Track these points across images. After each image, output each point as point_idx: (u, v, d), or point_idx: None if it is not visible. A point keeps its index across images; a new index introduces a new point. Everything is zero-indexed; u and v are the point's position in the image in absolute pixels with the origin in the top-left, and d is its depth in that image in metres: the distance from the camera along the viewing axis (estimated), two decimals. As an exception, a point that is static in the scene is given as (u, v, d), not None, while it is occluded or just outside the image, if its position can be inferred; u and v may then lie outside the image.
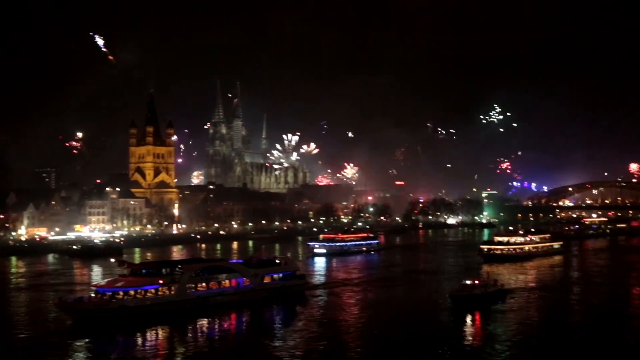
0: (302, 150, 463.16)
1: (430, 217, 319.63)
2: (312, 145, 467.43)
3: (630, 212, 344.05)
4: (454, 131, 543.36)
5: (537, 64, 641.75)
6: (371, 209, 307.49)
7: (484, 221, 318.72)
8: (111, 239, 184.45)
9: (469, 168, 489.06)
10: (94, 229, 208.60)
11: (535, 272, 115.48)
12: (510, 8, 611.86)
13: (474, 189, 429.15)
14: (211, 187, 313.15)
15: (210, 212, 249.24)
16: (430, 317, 73.38)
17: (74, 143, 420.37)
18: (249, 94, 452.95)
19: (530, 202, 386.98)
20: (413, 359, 56.25)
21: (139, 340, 64.40)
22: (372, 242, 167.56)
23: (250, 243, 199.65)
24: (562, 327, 68.39)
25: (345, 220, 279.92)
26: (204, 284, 77.79)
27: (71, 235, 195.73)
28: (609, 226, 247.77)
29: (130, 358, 57.84)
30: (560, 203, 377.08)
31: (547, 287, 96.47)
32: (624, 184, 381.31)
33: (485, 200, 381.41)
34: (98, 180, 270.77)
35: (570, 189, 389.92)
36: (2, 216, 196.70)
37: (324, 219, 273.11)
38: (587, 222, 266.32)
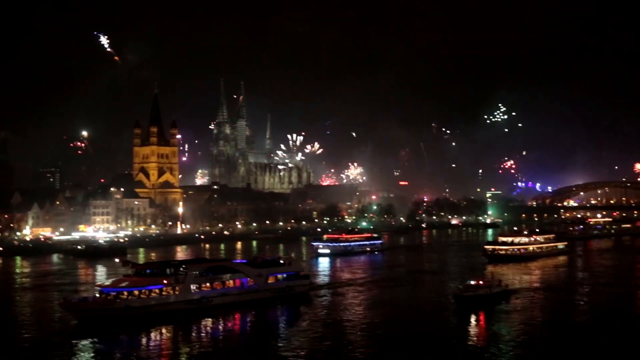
0: (306, 150, 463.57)
1: (434, 217, 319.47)
2: (317, 145, 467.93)
3: (635, 212, 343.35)
4: (458, 131, 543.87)
5: (541, 64, 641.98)
6: (375, 209, 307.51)
7: (488, 221, 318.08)
8: (115, 239, 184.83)
9: (473, 168, 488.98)
10: (98, 229, 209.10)
11: (540, 273, 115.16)
12: (510, 9, 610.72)
13: (478, 189, 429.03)
14: (215, 187, 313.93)
15: (214, 212, 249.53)
16: (434, 318, 73.25)
17: (79, 143, 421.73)
18: (253, 94, 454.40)
19: (534, 202, 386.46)
20: (417, 359, 56.20)
21: (143, 340, 64.46)
22: (376, 242, 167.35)
23: (254, 243, 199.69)
24: (567, 327, 68.19)
25: (349, 221, 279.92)
26: (208, 284, 77.73)
27: (75, 235, 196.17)
28: (613, 226, 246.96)
29: (134, 358, 57.89)
30: (565, 203, 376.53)
31: (552, 287, 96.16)
32: (629, 184, 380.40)
33: (490, 201, 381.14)
34: (102, 180, 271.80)
35: (574, 189, 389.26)
36: (6, 216, 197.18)
37: (328, 219, 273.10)
38: (591, 223, 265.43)
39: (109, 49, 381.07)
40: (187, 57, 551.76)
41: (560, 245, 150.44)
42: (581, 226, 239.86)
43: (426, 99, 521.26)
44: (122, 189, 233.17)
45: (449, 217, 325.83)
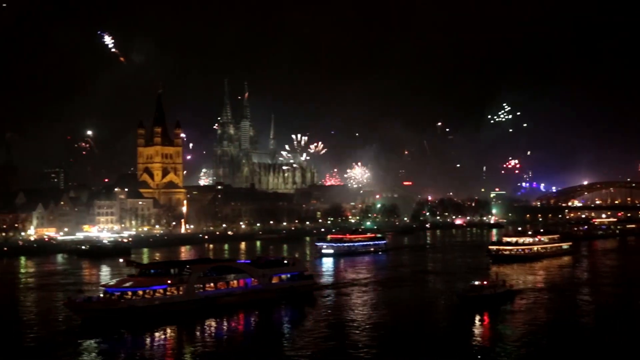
0: (310, 150, 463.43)
1: (438, 218, 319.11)
2: (321, 145, 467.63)
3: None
4: (462, 131, 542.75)
5: (545, 64, 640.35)
6: (379, 209, 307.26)
7: (492, 221, 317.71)
8: (119, 239, 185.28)
9: (477, 168, 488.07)
10: (103, 229, 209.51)
11: (544, 273, 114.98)
12: (512, 9, 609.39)
13: (482, 189, 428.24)
14: (219, 187, 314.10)
15: (218, 213, 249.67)
16: (438, 318, 73.23)
17: (83, 144, 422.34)
18: (257, 94, 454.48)
19: (539, 203, 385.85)
20: (421, 359, 56.09)
21: (148, 340, 64.46)
22: (380, 242, 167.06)
23: (258, 243, 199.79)
24: (571, 328, 68.04)
25: (353, 221, 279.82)
26: (212, 284, 77.79)
27: (80, 235, 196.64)
28: (618, 227, 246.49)
29: (138, 358, 57.89)
30: (570, 203, 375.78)
31: (556, 287, 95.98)
32: (634, 184, 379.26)
33: (494, 201, 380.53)
34: (106, 181, 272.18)
35: (579, 189, 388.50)
36: (11, 216, 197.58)
37: (332, 219, 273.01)
38: (596, 223, 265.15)
39: (113, 50, 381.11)
40: (191, 58, 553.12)
41: (565, 245, 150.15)
42: (586, 226, 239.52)
43: (430, 99, 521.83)
44: (126, 189, 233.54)
45: (453, 217, 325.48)
